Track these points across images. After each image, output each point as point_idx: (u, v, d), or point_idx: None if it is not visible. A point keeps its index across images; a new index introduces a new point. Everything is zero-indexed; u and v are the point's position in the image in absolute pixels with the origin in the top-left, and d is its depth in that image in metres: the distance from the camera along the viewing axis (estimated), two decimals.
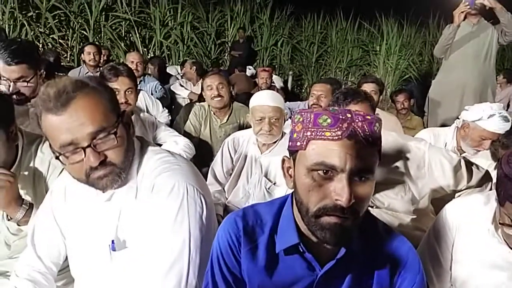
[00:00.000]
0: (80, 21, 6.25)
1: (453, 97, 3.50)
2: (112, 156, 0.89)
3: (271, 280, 0.84)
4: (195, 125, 2.64)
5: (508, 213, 0.98)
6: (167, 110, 3.16)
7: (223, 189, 2.05)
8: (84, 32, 6.29)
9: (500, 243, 1.10)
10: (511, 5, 3.22)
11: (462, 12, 3.27)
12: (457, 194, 1.69)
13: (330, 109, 0.75)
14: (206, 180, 1.49)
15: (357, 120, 0.72)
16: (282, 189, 1.85)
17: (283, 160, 0.82)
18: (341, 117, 0.72)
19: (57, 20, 6.07)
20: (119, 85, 2.00)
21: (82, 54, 4.09)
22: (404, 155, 1.67)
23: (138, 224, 0.96)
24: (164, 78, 4.77)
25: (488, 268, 1.12)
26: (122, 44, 6.56)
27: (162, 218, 0.94)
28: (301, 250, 0.80)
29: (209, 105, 2.66)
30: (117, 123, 0.90)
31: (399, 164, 1.67)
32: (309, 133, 0.73)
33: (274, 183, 1.91)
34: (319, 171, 0.71)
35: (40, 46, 5.84)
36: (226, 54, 7.93)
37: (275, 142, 1.93)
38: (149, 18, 7.08)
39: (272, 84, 4.82)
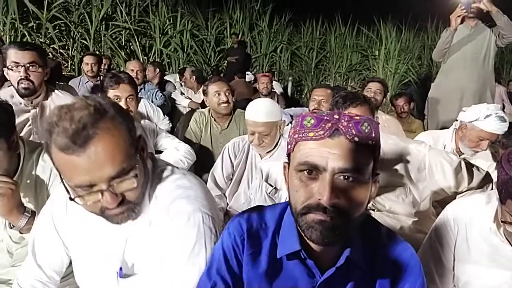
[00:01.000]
0: (80, 30, 6.30)
1: (453, 99, 3.51)
2: (130, 195, 0.87)
3: (271, 286, 0.84)
4: (196, 132, 2.65)
5: (510, 211, 0.99)
6: (167, 118, 3.17)
7: (224, 194, 2.05)
8: (85, 42, 6.33)
9: (502, 242, 1.10)
10: (507, 8, 3.23)
11: (459, 16, 3.28)
12: (458, 196, 1.68)
13: (324, 112, 0.76)
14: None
15: (342, 120, 0.72)
16: (286, 193, 1.84)
17: (284, 166, 0.84)
18: (325, 118, 0.73)
19: (57, 30, 6.12)
20: (120, 92, 2.02)
21: (82, 64, 4.13)
22: (405, 157, 1.67)
23: (149, 250, 0.94)
24: (160, 83, 4.70)
25: (491, 267, 1.12)
26: (123, 53, 6.60)
27: (178, 247, 0.92)
28: (303, 257, 0.80)
29: (209, 111, 2.67)
30: (136, 164, 0.85)
31: (400, 167, 1.67)
32: (296, 136, 0.75)
33: (275, 188, 1.91)
34: (304, 171, 0.72)
35: None
36: (226, 62, 7.97)
37: (274, 147, 1.94)
38: (149, 27, 7.14)
39: (272, 90, 4.82)
